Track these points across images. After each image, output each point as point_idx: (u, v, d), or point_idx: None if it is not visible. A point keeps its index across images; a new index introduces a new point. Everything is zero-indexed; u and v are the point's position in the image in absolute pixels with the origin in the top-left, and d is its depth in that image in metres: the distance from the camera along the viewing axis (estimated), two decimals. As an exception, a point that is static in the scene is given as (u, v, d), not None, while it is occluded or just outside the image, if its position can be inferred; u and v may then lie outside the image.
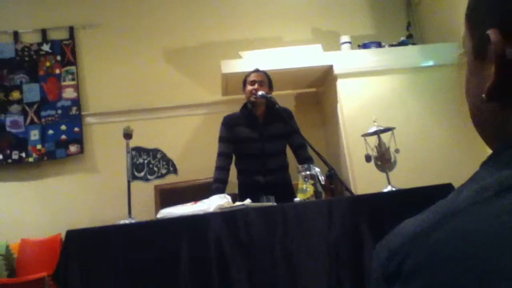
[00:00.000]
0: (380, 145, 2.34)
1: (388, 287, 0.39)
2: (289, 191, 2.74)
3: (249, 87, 2.82)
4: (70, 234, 1.81)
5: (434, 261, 0.35)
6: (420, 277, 0.36)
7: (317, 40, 4.33)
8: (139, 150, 2.25)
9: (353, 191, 2.70)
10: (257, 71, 2.91)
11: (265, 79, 2.86)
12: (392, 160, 2.31)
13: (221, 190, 2.56)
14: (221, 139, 2.86)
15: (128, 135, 2.25)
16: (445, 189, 1.92)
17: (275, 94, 2.90)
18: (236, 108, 2.99)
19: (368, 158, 2.34)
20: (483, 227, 0.35)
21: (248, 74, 2.92)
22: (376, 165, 2.33)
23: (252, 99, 2.78)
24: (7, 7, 4.62)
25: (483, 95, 0.44)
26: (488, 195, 0.38)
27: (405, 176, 2.45)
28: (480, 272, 0.33)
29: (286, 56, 3.92)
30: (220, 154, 2.83)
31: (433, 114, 3.73)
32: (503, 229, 0.34)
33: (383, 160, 2.30)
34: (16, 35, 4.55)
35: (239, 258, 1.79)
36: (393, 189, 2.19)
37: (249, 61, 3.64)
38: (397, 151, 2.29)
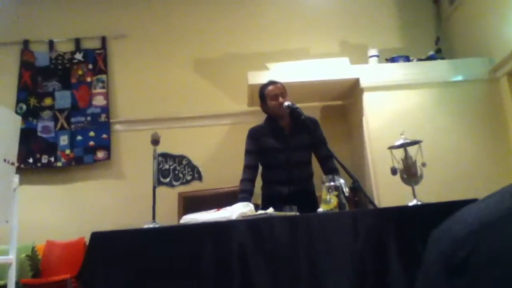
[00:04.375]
0: (407, 158, 2.30)
1: (451, 281, 0.34)
2: (313, 201, 2.72)
3: (272, 102, 2.78)
4: (95, 236, 1.84)
5: (509, 257, 0.31)
6: (494, 271, 0.32)
7: (345, 53, 4.33)
8: (165, 156, 2.28)
9: (377, 204, 2.66)
10: (273, 83, 2.85)
11: (284, 89, 2.83)
12: (419, 173, 2.27)
13: (247, 200, 2.56)
14: (247, 152, 2.86)
15: (155, 141, 2.29)
16: (473, 204, 1.87)
17: (301, 105, 2.89)
18: (261, 119, 3.00)
19: (394, 171, 2.30)
20: None
21: (264, 87, 2.85)
22: (402, 178, 2.30)
23: (280, 113, 2.75)
24: (43, 17, 4.79)
25: None
26: None
27: (431, 191, 2.40)
28: None
29: (313, 68, 3.93)
30: (246, 167, 2.83)
31: (461, 129, 3.67)
32: None
33: (409, 173, 2.27)
34: (51, 44, 4.71)
35: (263, 266, 1.78)
36: (419, 203, 2.15)
37: (275, 73, 3.66)
38: (424, 164, 2.25)
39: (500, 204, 0.35)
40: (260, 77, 3.80)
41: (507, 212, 0.34)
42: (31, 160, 4.36)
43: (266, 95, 2.82)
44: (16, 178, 2.94)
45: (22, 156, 4.33)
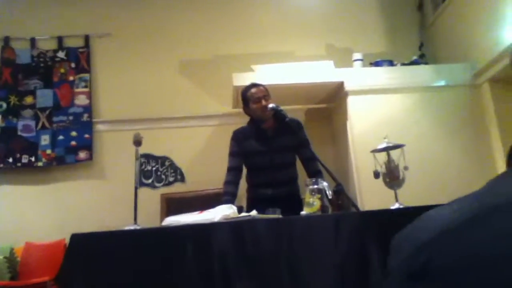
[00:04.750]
0: (390, 162, 2.31)
1: (411, 285, 0.35)
2: (297, 203, 2.71)
3: (254, 105, 2.75)
4: (75, 237, 1.81)
5: (471, 263, 0.31)
6: (451, 278, 0.32)
7: (330, 57, 4.36)
8: (148, 157, 2.26)
9: (360, 207, 2.67)
10: (255, 85, 2.83)
11: (267, 91, 2.81)
12: (401, 177, 2.28)
13: (230, 203, 2.55)
14: (231, 154, 2.84)
15: (138, 142, 2.26)
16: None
17: (286, 108, 2.88)
18: (246, 120, 2.99)
19: (376, 175, 2.31)
20: None
21: (246, 90, 2.83)
22: (385, 182, 2.31)
23: (263, 116, 2.73)
24: (25, 14, 4.71)
25: None
26: None
27: (413, 194, 2.42)
28: None
29: (298, 71, 3.94)
30: (229, 169, 2.81)
31: (443, 133, 3.71)
32: None
33: (391, 177, 2.28)
34: (33, 41, 4.63)
35: (243, 270, 1.77)
36: (401, 206, 2.17)
37: (261, 75, 3.66)
38: (406, 168, 2.27)
39: (461, 211, 0.36)
40: (245, 79, 3.78)
41: (466, 219, 0.34)
42: (11, 160, 4.27)
43: (248, 98, 2.80)
44: (-6, 178, 2.88)
45: (2, 156, 4.25)
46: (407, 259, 0.36)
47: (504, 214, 0.32)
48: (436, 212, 0.38)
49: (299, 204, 2.65)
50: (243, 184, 2.88)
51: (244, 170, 2.89)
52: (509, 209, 0.33)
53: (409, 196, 2.34)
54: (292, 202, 2.73)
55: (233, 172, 2.79)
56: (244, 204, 2.89)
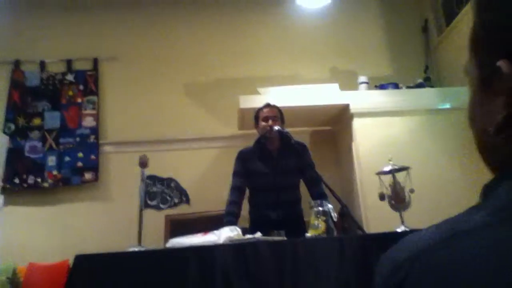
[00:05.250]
0: (395, 184, 2.31)
1: None
2: (301, 226, 2.71)
3: (262, 123, 2.83)
4: (79, 258, 1.81)
5: (437, 281, 0.35)
6: None
7: (335, 79, 4.38)
8: (153, 179, 2.27)
9: (365, 229, 2.65)
10: (268, 106, 2.92)
11: (278, 113, 2.88)
12: (407, 200, 2.28)
13: (232, 224, 2.54)
14: (235, 173, 2.87)
15: (143, 164, 2.28)
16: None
17: (290, 130, 2.91)
18: (251, 143, 3.01)
19: (382, 197, 2.31)
20: (492, 252, 0.34)
21: (260, 109, 2.93)
22: (390, 204, 2.30)
23: (267, 135, 2.78)
24: (35, 37, 4.80)
25: (490, 129, 0.44)
26: (503, 216, 0.37)
27: (418, 217, 2.39)
28: None
29: (303, 93, 3.96)
30: (233, 188, 2.83)
31: (449, 156, 3.70)
32: (509, 255, 0.34)
33: (397, 199, 2.27)
34: (42, 64, 4.71)
35: (247, 292, 1.76)
36: (407, 229, 2.15)
37: (266, 97, 3.68)
38: (412, 191, 2.26)
39: (437, 232, 0.40)
40: (251, 101, 3.82)
41: (440, 240, 0.38)
42: (17, 181, 4.29)
43: (259, 116, 2.87)
44: (0, 199, 2.90)
45: (8, 176, 4.28)
46: (388, 277, 0.40)
47: (467, 239, 0.37)
48: (414, 235, 0.42)
49: (303, 227, 2.64)
50: (245, 204, 2.88)
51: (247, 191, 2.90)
52: (478, 233, 0.37)
53: (415, 218, 2.32)
54: (295, 224, 2.72)
55: (237, 192, 2.80)
56: (246, 225, 2.88)
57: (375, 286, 0.41)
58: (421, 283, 0.36)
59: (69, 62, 4.73)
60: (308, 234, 2.11)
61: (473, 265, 0.34)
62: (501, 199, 0.40)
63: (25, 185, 4.30)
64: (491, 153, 0.48)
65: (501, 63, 0.42)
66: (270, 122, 2.79)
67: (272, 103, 2.97)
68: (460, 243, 0.37)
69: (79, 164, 4.39)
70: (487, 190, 0.44)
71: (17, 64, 4.67)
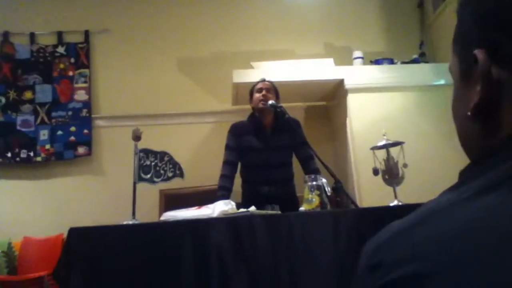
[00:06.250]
0: (389, 159, 2.32)
1: (371, 275, 0.41)
2: (294, 203, 2.71)
3: (256, 95, 2.82)
4: (73, 231, 1.81)
5: (412, 255, 0.38)
6: (398, 267, 0.38)
7: (329, 55, 4.34)
8: (146, 152, 2.25)
9: (358, 204, 2.67)
10: (263, 80, 2.91)
11: (272, 87, 2.86)
12: (400, 175, 2.29)
13: (226, 198, 2.55)
14: (228, 147, 2.85)
15: (137, 137, 2.26)
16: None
17: (285, 105, 2.89)
18: (245, 117, 2.99)
19: (375, 172, 2.32)
20: (458, 225, 0.38)
21: (255, 84, 2.92)
22: (384, 179, 2.31)
23: (260, 105, 2.77)
24: (24, 9, 4.69)
25: (468, 113, 0.46)
26: (467, 195, 0.40)
27: (412, 192, 2.42)
28: (454, 266, 0.35)
29: (298, 68, 3.93)
30: (225, 162, 2.82)
31: (443, 132, 3.70)
32: (475, 227, 0.37)
33: (391, 174, 2.28)
34: (32, 36, 4.61)
35: (241, 266, 1.77)
36: (400, 203, 2.17)
37: (260, 72, 3.64)
38: (405, 166, 2.27)
39: (415, 214, 0.43)
40: (245, 76, 3.79)
41: (416, 220, 0.42)
42: (9, 155, 4.26)
43: (254, 90, 2.86)
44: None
45: (0, 151, 4.24)
46: (370, 257, 0.42)
47: (440, 217, 0.40)
48: (399, 220, 0.45)
49: (296, 204, 2.64)
50: (237, 178, 2.88)
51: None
52: (446, 211, 0.40)
53: (408, 193, 2.34)
54: (289, 201, 2.72)
55: (229, 166, 2.79)
56: (238, 199, 2.89)
57: (357, 272, 0.44)
58: (400, 261, 0.38)
59: (60, 34, 4.64)
60: (302, 208, 2.12)
61: (442, 239, 0.37)
62: (470, 182, 0.43)
63: (17, 159, 4.27)
64: (470, 144, 0.51)
65: (476, 51, 0.45)
66: (263, 92, 2.78)
67: (267, 79, 2.94)
68: (429, 221, 0.40)
69: (72, 138, 4.36)
70: (461, 175, 0.48)
71: (6, 36, 4.57)
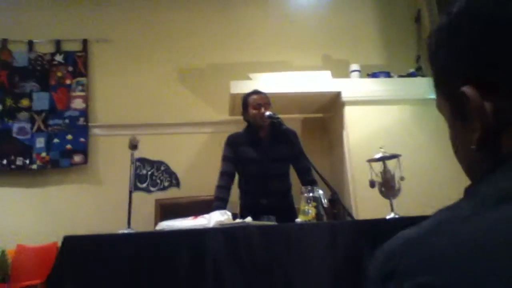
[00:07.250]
0: (385, 172, 2.32)
1: (383, 286, 0.40)
2: (291, 214, 2.70)
3: (253, 111, 2.76)
4: (67, 240, 1.79)
5: (426, 266, 0.38)
6: (413, 277, 0.38)
7: (327, 67, 4.37)
8: (143, 161, 2.25)
9: (355, 216, 2.67)
10: (258, 92, 2.85)
11: (268, 100, 2.82)
12: (397, 187, 2.28)
13: (222, 209, 2.53)
14: (224, 158, 2.83)
15: (133, 146, 2.25)
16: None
17: (282, 117, 2.87)
18: (242, 128, 2.98)
19: (372, 184, 2.31)
20: (473, 237, 0.37)
21: (248, 96, 2.85)
22: (380, 191, 2.31)
23: (262, 122, 2.73)
24: (23, 17, 4.71)
25: (472, 146, 0.47)
26: (488, 204, 0.40)
27: (408, 205, 2.42)
28: (471, 278, 0.35)
29: (295, 80, 3.95)
30: (222, 173, 2.80)
31: (439, 145, 3.72)
32: (491, 239, 0.37)
33: (387, 186, 2.28)
34: (30, 44, 4.62)
35: (237, 276, 1.76)
36: (396, 216, 2.16)
37: (258, 83, 3.65)
38: (402, 178, 2.27)
39: (426, 223, 0.43)
40: (242, 87, 3.79)
41: (429, 228, 0.42)
42: (5, 162, 4.24)
43: (248, 103, 2.81)
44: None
45: (-4, 158, 4.23)
46: (381, 267, 0.42)
47: (452, 228, 0.40)
48: (410, 227, 0.45)
49: (294, 215, 2.63)
50: (234, 190, 2.86)
51: (236, 176, 2.87)
52: (466, 219, 0.40)
53: (405, 206, 2.34)
54: (286, 212, 2.70)
55: (226, 177, 2.77)
56: (236, 210, 2.88)
57: (368, 279, 0.44)
58: (414, 269, 0.38)
59: (58, 43, 4.65)
60: (299, 220, 2.12)
61: (459, 250, 0.37)
62: (483, 193, 0.43)
63: (13, 166, 4.25)
64: (475, 170, 0.51)
65: (465, 88, 0.45)
66: (262, 109, 2.74)
67: (261, 90, 2.91)
68: (445, 229, 0.40)
69: (68, 146, 4.35)
70: (468, 191, 0.48)
71: (4, 43, 4.58)
